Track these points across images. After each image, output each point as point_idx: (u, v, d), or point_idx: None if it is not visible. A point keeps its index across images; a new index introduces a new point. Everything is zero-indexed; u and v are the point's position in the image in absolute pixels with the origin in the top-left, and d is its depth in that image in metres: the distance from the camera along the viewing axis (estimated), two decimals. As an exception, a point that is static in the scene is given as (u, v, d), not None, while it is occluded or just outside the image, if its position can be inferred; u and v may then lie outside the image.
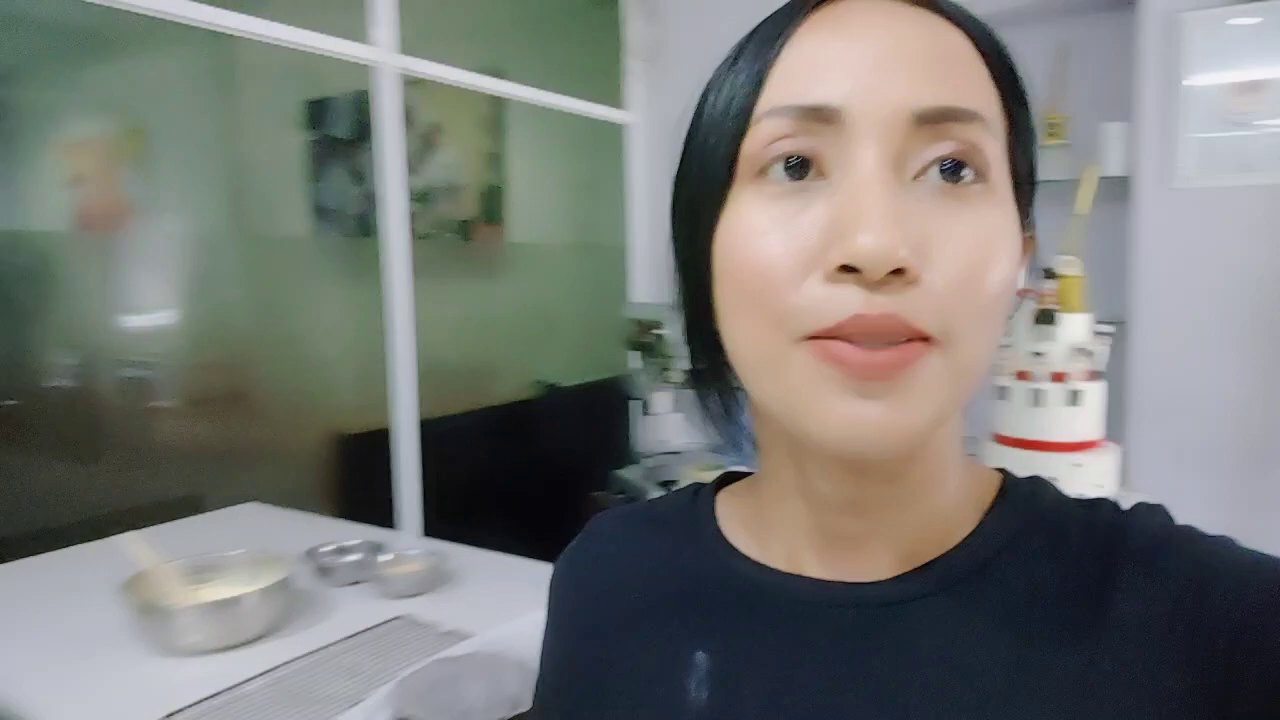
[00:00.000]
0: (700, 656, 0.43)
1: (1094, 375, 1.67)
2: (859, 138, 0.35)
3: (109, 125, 2.10)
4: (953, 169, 0.35)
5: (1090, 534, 0.40)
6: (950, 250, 0.34)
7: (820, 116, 0.35)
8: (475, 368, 2.45)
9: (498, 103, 2.72)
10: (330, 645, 1.08)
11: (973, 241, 0.35)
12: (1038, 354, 1.68)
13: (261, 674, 1.00)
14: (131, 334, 2.11)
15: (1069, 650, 0.37)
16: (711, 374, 0.44)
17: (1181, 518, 0.41)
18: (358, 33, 2.10)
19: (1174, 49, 2.10)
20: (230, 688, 0.97)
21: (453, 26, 2.35)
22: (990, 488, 0.44)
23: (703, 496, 0.50)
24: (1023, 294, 1.71)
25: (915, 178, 0.35)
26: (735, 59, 0.40)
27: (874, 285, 0.33)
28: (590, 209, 3.22)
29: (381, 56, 2.04)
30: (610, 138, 3.08)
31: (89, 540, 1.47)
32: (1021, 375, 1.71)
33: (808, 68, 0.36)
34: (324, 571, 1.28)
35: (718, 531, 0.47)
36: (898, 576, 0.41)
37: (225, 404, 2.27)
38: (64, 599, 1.25)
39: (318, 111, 2.61)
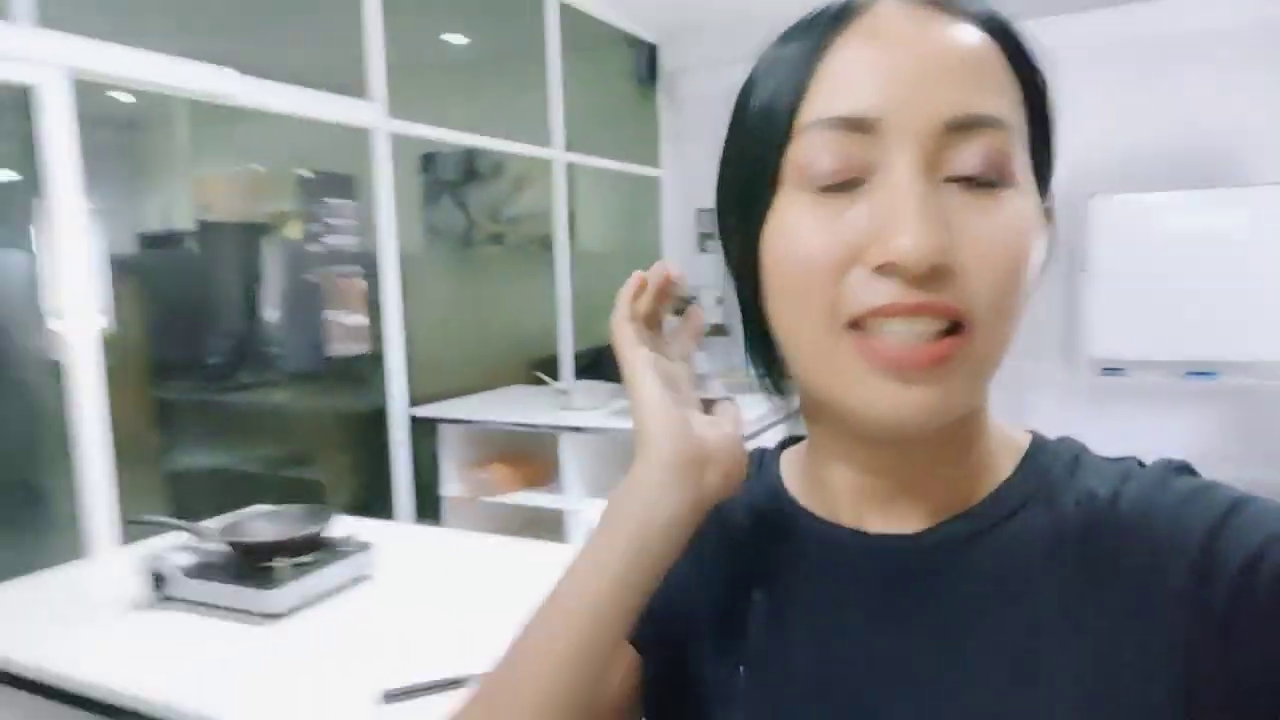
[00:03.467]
0: (759, 595, 0.48)
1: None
2: (895, 145, 0.38)
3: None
4: (983, 180, 0.38)
5: (1118, 488, 0.43)
6: (979, 246, 0.38)
7: (859, 126, 0.39)
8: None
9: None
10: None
11: (1001, 238, 0.38)
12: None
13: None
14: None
15: (1099, 590, 0.40)
16: (760, 353, 0.48)
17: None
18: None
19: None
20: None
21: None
22: (1020, 446, 0.47)
23: (769, 456, 0.55)
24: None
25: (947, 180, 0.38)
26: (771, 67, 0.43)
27: (911, 280, 0.37)
28: (631, 223, 4.55)
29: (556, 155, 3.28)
30: (648, 186, 4.49)
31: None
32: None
33: (846, 80, 0.39)
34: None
35: (782, 487, 0.52)
36: (934, 526, 0.45)
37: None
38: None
39: (429, 161, 3.67)
